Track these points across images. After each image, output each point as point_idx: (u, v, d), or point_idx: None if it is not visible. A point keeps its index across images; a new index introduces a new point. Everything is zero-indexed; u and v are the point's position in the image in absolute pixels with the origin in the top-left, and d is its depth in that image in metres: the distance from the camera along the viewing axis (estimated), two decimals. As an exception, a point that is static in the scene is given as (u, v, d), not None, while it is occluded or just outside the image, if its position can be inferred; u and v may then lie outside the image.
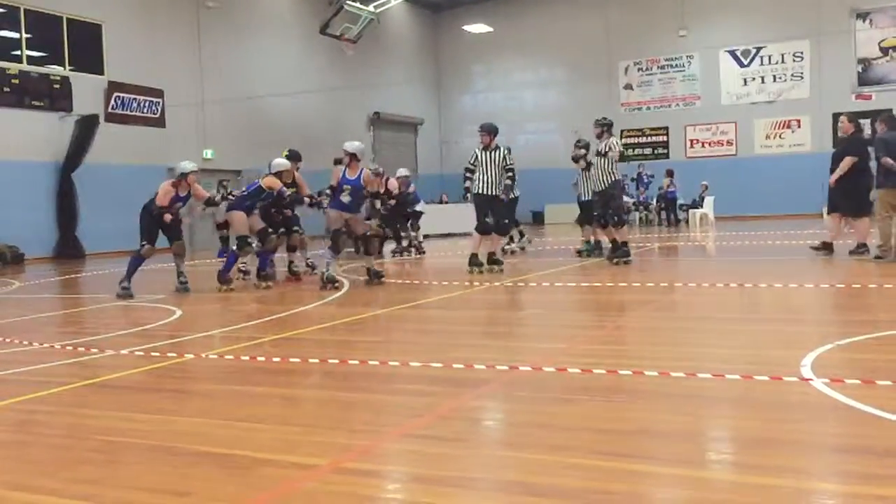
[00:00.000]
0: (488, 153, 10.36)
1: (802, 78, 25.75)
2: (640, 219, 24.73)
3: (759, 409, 3.63)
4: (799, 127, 26.06)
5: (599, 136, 11.24)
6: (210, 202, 9.82)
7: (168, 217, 9.15)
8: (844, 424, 3.32)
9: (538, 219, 27.83)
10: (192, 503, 2.68)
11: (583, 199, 12.58)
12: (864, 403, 3.44)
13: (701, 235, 18.60)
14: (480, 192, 10.38)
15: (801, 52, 25.85)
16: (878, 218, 9.99)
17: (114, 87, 19.17)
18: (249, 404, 4.05)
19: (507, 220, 11.31)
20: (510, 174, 10.40)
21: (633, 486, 2.71)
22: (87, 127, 18.01)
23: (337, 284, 9.15)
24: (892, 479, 2.65)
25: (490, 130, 10.47)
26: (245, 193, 9.94)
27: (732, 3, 26.27)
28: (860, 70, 25.08)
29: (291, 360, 5.11)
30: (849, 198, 10.41)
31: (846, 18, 25.07)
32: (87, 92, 18.47)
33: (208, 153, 21.24)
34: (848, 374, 3.98)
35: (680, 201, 24.01)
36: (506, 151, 10.50)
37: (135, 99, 19.64)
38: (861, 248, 10.36)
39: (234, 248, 9.78)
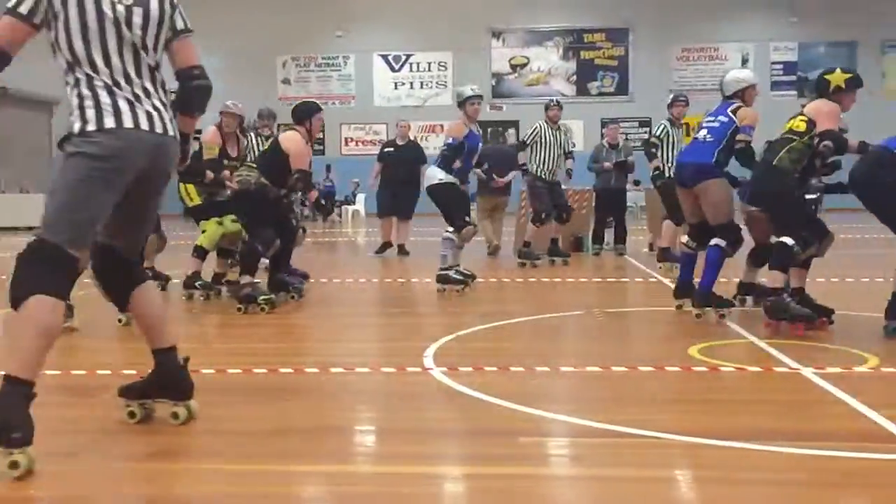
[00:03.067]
0: (678, 129, 8.76)
1: (446, 86, 27.80)
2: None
3: (388, 400, 3.82)
4: (442, 131, 28.13)
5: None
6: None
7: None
8: (460, 410, 3.61)
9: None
10: None
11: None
12: (474, 389, 3.77)
13: (353, 231, 19.24)
14: (666, 174, 8.45)
15: (445, 63, 27.93)
16: (479, 219, 11.40)
17: None
18: None
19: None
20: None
21: (281, 487, 2.68)
22: None
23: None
24: (504, 457, 2.93)
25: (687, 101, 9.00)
26: None
27: (387, 10, 27.51)
28: (494, 83, 27.74)
29: None
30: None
31: (483, 35, 27.59)
32: None
33: None
34: (462, 363, 4.33)
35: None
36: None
37: None
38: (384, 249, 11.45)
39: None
